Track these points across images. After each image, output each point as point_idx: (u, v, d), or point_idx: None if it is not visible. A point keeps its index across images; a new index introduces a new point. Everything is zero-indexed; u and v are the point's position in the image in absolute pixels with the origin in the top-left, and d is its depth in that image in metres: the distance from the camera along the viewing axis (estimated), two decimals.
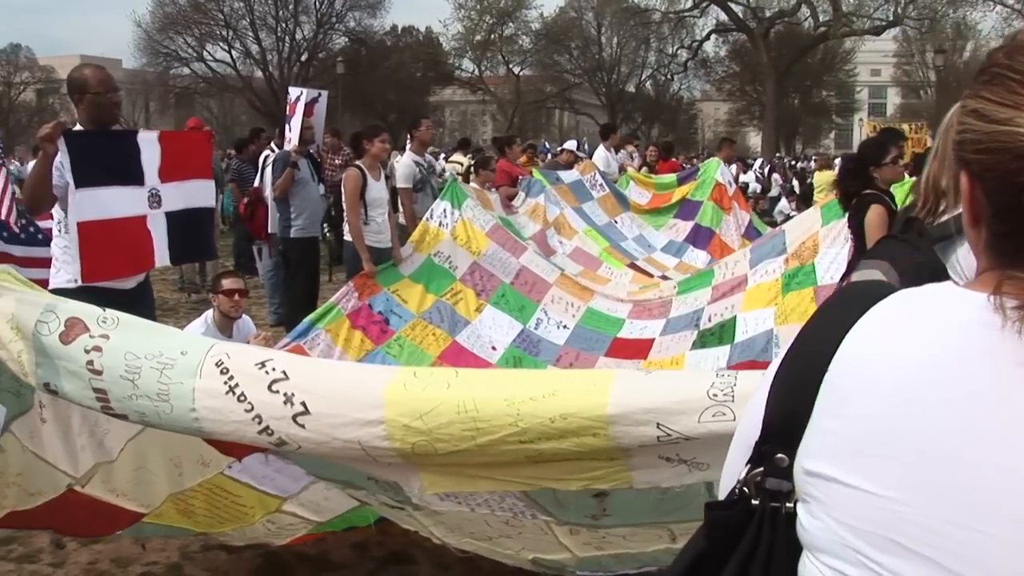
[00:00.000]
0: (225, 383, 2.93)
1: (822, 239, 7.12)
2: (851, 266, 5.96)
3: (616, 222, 11.00)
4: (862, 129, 74.87)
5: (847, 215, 5.95)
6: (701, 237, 11.11)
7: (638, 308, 8.07)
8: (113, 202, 5.12)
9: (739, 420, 1.31)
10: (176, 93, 56.59)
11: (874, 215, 5.58)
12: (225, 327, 5.96)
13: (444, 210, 8.00)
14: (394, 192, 9.58)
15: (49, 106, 55.22)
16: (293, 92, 9.59)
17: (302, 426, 2.85)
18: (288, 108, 9.50)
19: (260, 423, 2.89)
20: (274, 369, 2.94)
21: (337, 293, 7.14)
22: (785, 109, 56.68)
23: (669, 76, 61.26)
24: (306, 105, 9.36)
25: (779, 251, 7.48)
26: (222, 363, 2.97)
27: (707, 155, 28.51)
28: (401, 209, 9.57)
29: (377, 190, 7.92)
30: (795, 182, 29.19)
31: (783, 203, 21.22)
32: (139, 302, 5.42)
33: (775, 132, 52.63)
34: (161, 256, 5.47)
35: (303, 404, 2.84)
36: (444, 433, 2.73)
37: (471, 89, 60.56)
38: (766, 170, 30.05)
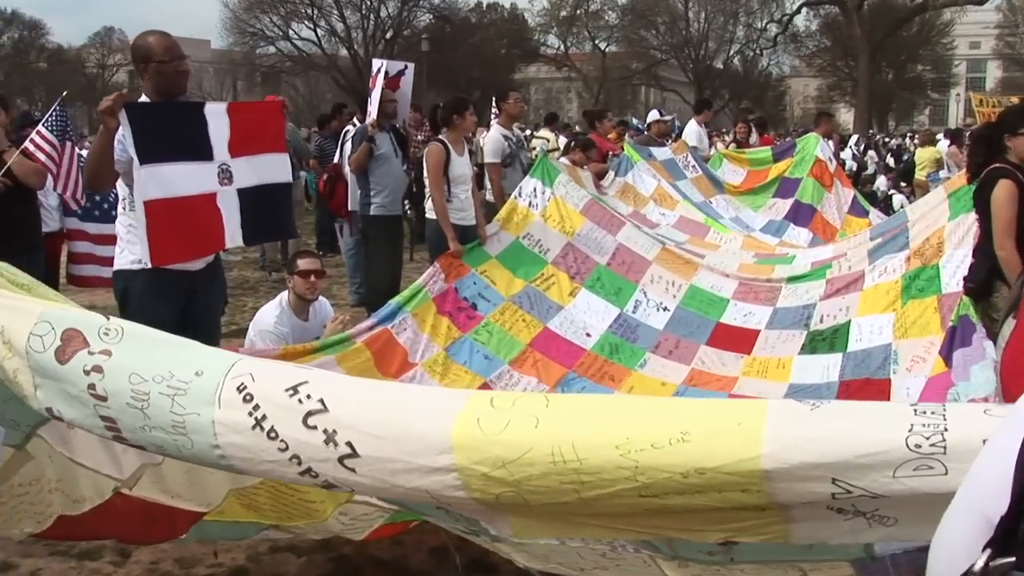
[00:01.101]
0: (250, 414, 2.44)
1: (948, 236, 6.38)
2: (976, 253, 5.38)
3: (711, 202, 10.42)
4: (960, 104, 73.57)
5: (973, 192, 5.35)
6: (802, 215, 10.47)
7: (744, 288, 7.49)
8: (180, 179, 4.75)
9: (955, 474, 1.20)
10: (262, 72, 57.21)
11: (1002, 192, 5.01)
12: (301, 309, 5.60)
13: (534, 189, 7.52)
14: (480, 169, 9.10)
15: (139, 87, 56.22)
16: (376, 64, 9.16)
17: (352, 470, 2.37)
18: (370, 81, 9.09)
19: (299, 464, 2.43)
20: (309, 397, 2.43)
21: (423, 275, 6.71)
22: (878, 84, 55.28)
23: (758, 51, 60.52)
24: (390, 78, 8.92)
25: (901, 246, 6.82)
26: (245, 388, 2.48)
27: (797, 133, 27.57)
28: (488, 186, 9.09)
29: (461, 166, 7.48)
30: (890, 159, 28.42)
31: (881, 180, 20.41)
32: (209, 283, 5.10)
33: (868, 108, 51.23)
34: (233, 236, 5.08)
35: (349, 445, 2.35)
36: (537, 485, 2.22)
37: (556, 66, 60.07)
38: (861, 147, 29.08)
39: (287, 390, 2.45)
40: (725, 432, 2.12)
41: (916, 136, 32.91)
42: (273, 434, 2.41)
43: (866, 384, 6.09)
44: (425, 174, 7.35)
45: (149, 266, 4.58)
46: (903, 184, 19.79)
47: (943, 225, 6.47)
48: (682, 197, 10.01)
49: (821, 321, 6.85)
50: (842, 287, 6.98)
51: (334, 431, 2.36)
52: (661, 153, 10.72)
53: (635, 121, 25.50)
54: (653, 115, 12.67)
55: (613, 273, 7.41)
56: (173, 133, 4.76)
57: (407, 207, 7.47)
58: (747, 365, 6.80)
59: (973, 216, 6.16)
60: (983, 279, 5.20)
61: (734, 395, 6.37)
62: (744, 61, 62.18)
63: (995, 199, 5.01)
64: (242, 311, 9.95)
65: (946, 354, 5.01)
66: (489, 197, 8.88)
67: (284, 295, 5.69)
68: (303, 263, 5.62)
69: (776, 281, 7.47)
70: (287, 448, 2.41)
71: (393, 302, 6.28)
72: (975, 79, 78.36)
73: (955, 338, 5.01)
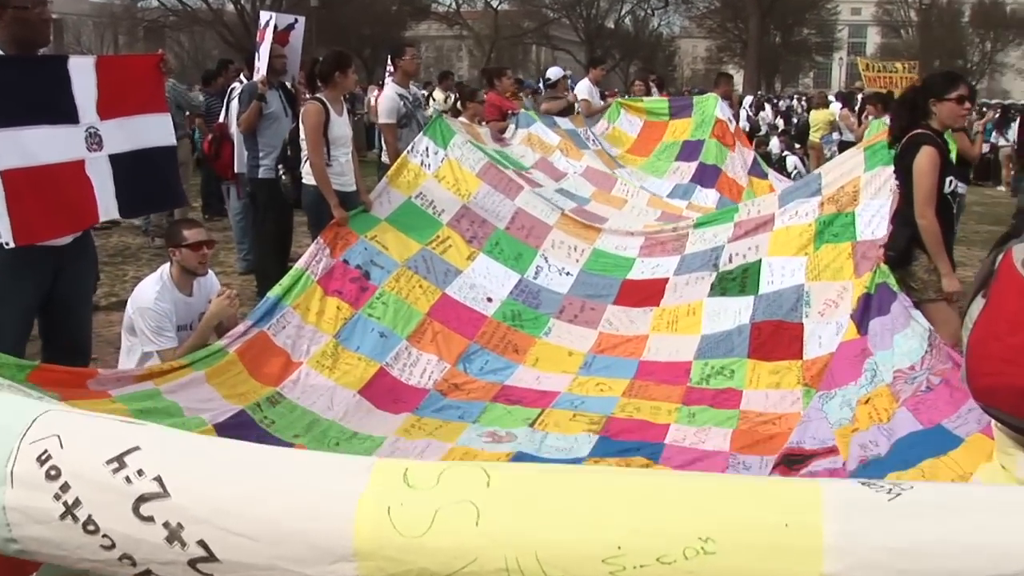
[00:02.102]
0: (57, 497, 1.77)
1: (864, 186, 6.35)
2: (895, 220, 5.34)
3: (615, 173, 10.23)
4: (842, 68, 75.51)
5: (894, 157, 5.29)
6: (707, 176, 10.28)
7: (650, 243, 7.32)
8: (42, 145, 4.21)
9: None
10: (144, 27, 54.88)
11: (925, 160, 4.95)
12: (185, 284, 5.13)
13: (427, 148, 7.17)
14: (371, 129, 8.69)
15: None
16: (264, 17, 8.66)
17: None
18: (258, 35, 8.59)
19: (134, 566, 1.78)
20: (141, 473, 1.76)
21: (305, 255, 6.18)
22: (766, 47, 55.83)
23: (649, 11, 60.60)
24: (279, 32, 8.43)
25: (813, 191, 6.72)
26: (48, 458, 1.80)
27: (691, 92, 27.67)
28: (384, 147, 8.71)
29: (341, 126, 6.88)
30: (780, 121, 28.79)
31: (774, 142, 20.56)
32: (78, 257, 4.63)
33: (757, 70, 51.70)
34: (107, 208, 4.59)
35: (203, 545, 1.71)
36: None
37: (448, 23, 59.04)
38: (753, 108, 29.35)
39: (109, 462, 1.78)
40: (767, 539, 1.53)
41: (804, 98, 33.46)
42: (92, 527, 1.77)
43: (778, 327, 6.02)
44: (302, 136, 6.86)
45: (11, 245, 4.04)
46: (797, 146, 20.01)
47: (859, 175, 6.41)
48: (589, 152, 9.82)
49: (730, 261, 6.72)
50: (751, 229, 6.85)
51: (179, 525, 1.72)
52: (564, 123, 10.46)
53: (531, 81, 25.29)
54: (555, 72, 12.34)
55: (512, 238, 7.13)
56: (33, 91, 4.19)
57: (281, 171, 7.01)
58: (656, 319, 6.63)
59: (890, 171, 6.07)
60: (903, 248, 5.15)
61: (646, 361, 6.21)
62: (635, 21, 62.45)
63: (917, 166, 4.94)
64: (122, 281, 9.37)
65: (859, 320, 4.91)
66: (384, 159, 8.51)
67: (165, 268, 5.15)
68: (191, 234, 5.01)
69: (683, 228, 7.30)
70: (113, 546, 1.77)
71: (271, 296, 5.74)
72: (856, 44, 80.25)
73: (870, 305, 4.91)
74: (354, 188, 6.84)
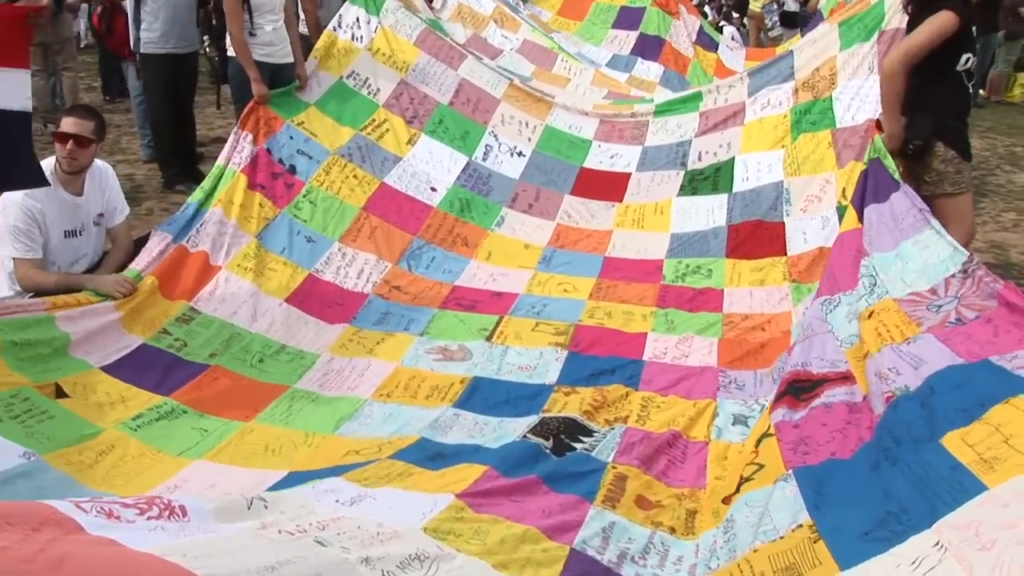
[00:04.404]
0: None
1: (841, 67, 5.69)
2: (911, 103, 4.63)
3: (552, 39, 9.33)
4: None
5: (911, 11, 4.54)
6: (649, 47, 9.51)
7: (607, 126, 6.57)
8: None
9: None
10: None
11: (939, 20, 4.21)
12: (70, 182, 4.28)
13: (357, 18, 6.24)
14: None
15: None
16: None
17: None
18: None
19: None
20: None
21: (224, 148, 5.27)
22: None
23: None
24: None
25: (785, 76, 6.02)
26: None
27: None
28: (303, 16, 7.70)
29: None
30: None
31: (707, 11, 19.74)
32: None
33: None
34: None
35: None
36: None
37: None
38: None
39: None
40: None
41: None
42: None
43: (758, 227, 5.48)
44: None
45: None
46: (734, 15, 19.26)
47: (834, 55, 5.77)
48: (525, 21, 8.89)
49: (699, 159, 6.11)
50: (719, 121, 6.22)
51: None
52: None
53: None
54: None
55: (457, 113, 6.33)
56: None
57: (206, 44, 6.05)
58: (620, 215, 6.00)
59: (869, 45, 5.55)
60: (927, 135, 4.46)
61: (612, 258, 5.56)
62: None
63: (932, 20, 4.22)
64: None
65: (859, 205, 4.22)
66: (303, 30, 7.53)
67: (52, 159, 4.33)
68: (64, 123, 4.19)
69: (642, 115, 6.57)
70: None
71: (191, 202, 4.87)
72: None
73: (867, 185, 4.22)
74: (288, 60, 5.99)
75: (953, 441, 2.63)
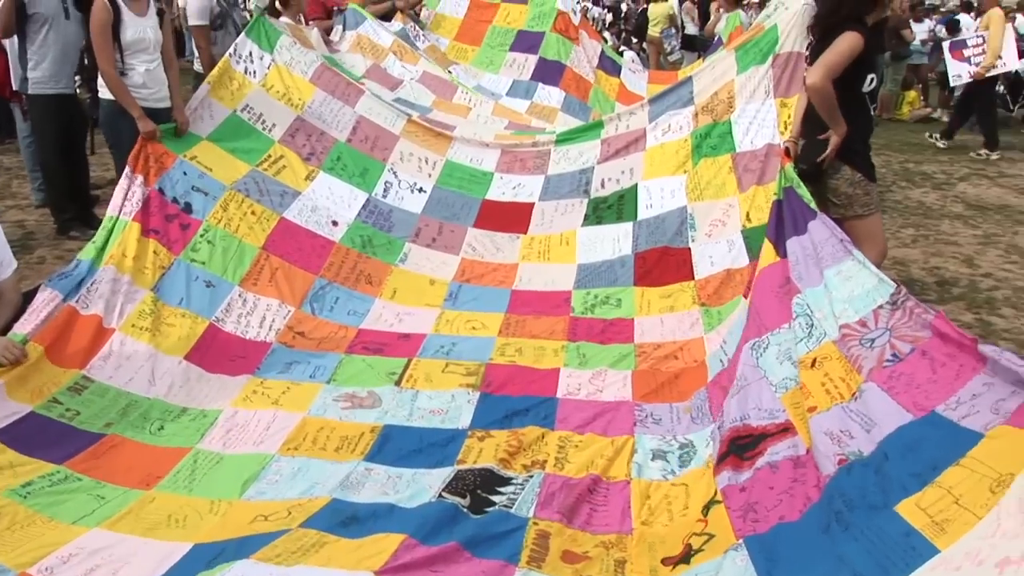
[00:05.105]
0: None
1: (738, 90, 5.74)
2: (805, 126, 4.70)
3: (451, 72, 9.28)
4: None
5: (810, 48, 4.66)
6: (550, 72, 9.52)
7: (508, 157, 6.51)
8: None
9: None
10: None
11: (848, 39, 4.35)
12: None
13: (251, 52, 6.06)
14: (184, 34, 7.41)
15: None
16: None
17: None
18: None
19: None
20: None
21: (114, 197, 4.97)
22: None
23: None
24: None
25: (685, 101, 6.05)
26: None
27: None
28: (197, 54, 7.48)
29: (139, 28, 5.63)
30: (609, 15, 28.77)
31: (607, 37, 20.05)
32: None
33: None
34: None
35: None
36: None
37: None
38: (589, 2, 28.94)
39: None
40: None
41: None
42: None
43: (664, 253, 5.48)
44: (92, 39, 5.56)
45: None
46: (633, 40, 19.57)
47: (732, 78, 5.82)
48: (423, 56, 8.80)
49: (602, 186, 6.09)
50: (621, 148, 6.22)
51: None
52: (392, 25, 9.38)
53: None
54: None
55: (355, 151, 6.20)
56: None
57: (77, 84, 5.79)
58: (525, 247, 5.95)
59: (765, 68, 5.62)
60: (814, 159, 4.55)
61: (520, 291, 5.51)
62: None
63: (842, 39, 4.32)
64: None
65: (775, 237, 4.20)
66: (197, 67, 7.31)
67: None
68: None
69: (543, 144, 6.54)
70: None
71: (83, 259, 4.58)
72: None
73: (782, 217, 4.21)
74: (164, 104, 5.69)
75: (907, 507, 2.64)
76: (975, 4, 18.50)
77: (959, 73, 11.80)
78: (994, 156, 11.84)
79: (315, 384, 4.44)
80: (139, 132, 5.22)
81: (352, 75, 7.29)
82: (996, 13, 11.86)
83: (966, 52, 11.82)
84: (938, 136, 12.62)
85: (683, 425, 4.00)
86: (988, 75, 11.81)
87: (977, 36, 11.88)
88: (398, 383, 4.44)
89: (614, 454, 3.79)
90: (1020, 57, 12.38)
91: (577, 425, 4.01)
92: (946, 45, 12.27)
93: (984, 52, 11.67)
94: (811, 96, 4.48)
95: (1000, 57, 11.67)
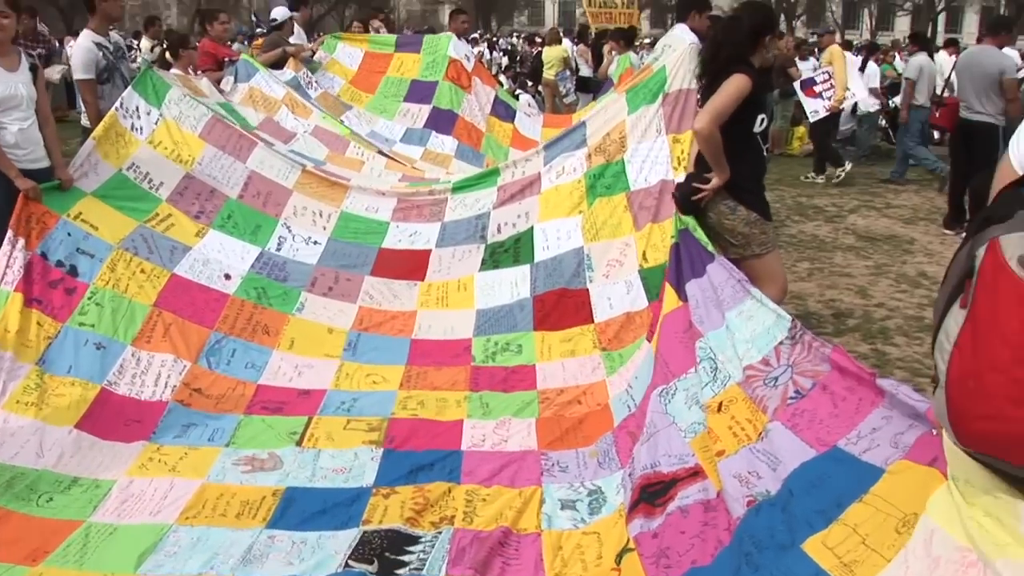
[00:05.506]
0: None
1: (630, 130, 5.88)
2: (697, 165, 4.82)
3: (344, 121, 9.24)
4: (555, 5, 77.48)
5: (704, 83, 4.75)
6: (443, 121, 9.60)
7: (405, 205, 6.49)
8: None
9: None
10: None
11: (735, 82, 4.45)
12: None
13: (138, 107, 5.92)
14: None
15: None
16: None
17: None
18: None
19: None
20: None
21: None
22: None
23: None
24: None
25: (578, 144, 6.15)
26: None
27: (416, 31, 27.12)
28: (83, 109, 7.24)
29: (9, 84, 5.27)
30: (504, 59, 29.44)
31: (503, 80, 20.37)
32: None
33: (475, 10, 52.30)
34: None
35: None
36: None
37: None
38: (484, 46, 29.43)
39: None
40: None
41: (531, 37, 34.07)
42: None
43: (562, 295, 5.52)
44: None
45: None
46: (529, 83, 19.87)
47: (623, 119, 5.95)
48: (316, 108, 8.74)
49: (499, 231, 6.12)
50: (516, 192, 6.27)
51: None
52: (284, 74, 9.32)
53: (244, 27, 23.70)
54: (280, 12, 10.96)
55: (247, 207, 6.08)
56: None
57: None
58: (423, 294, 5.92)
59: (655, 107, 5.78)
60: (688, 192, 4.66)
61: (419, 340, 5.47)
62: None
63: (730, 82, 4.43)
64: None
65: (676, 282, 4.27)
66: (84, 122, 7.09)
67: None
68: None
69: (440, 192, 6.54)
70: None
71: None
72: None
73: (680, 260, 4.29)
74: (41, 165, 5.36)
75: (814, 546, 2.67)
76: (854, 43, 19.32)
77: (816, 109, 12.45)
78: (839, 172, 12.73)
79: (214, 448, 4.31)
80: (15, 194, 4.96)
81: (247, 123, 7.21)
82: (836, 49, 12.70)
83: (817, 88, 12.49)
84: (812, 175, 13.09)
85: (590, 471, 4.01)
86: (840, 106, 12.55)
87: (823, 72, 12.55)
88: (299, 443, 4.34)
89: (523, 505, 3.77)
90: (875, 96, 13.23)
91: (484, 478, 3.98)
92: (797, 85, 12.86)
93: (833, 87, 12.35)
94: (697, 141, 4.59)
95: (848, 88, 12.43)
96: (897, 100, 14.60)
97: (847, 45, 18.86)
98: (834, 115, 12.69)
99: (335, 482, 3.98)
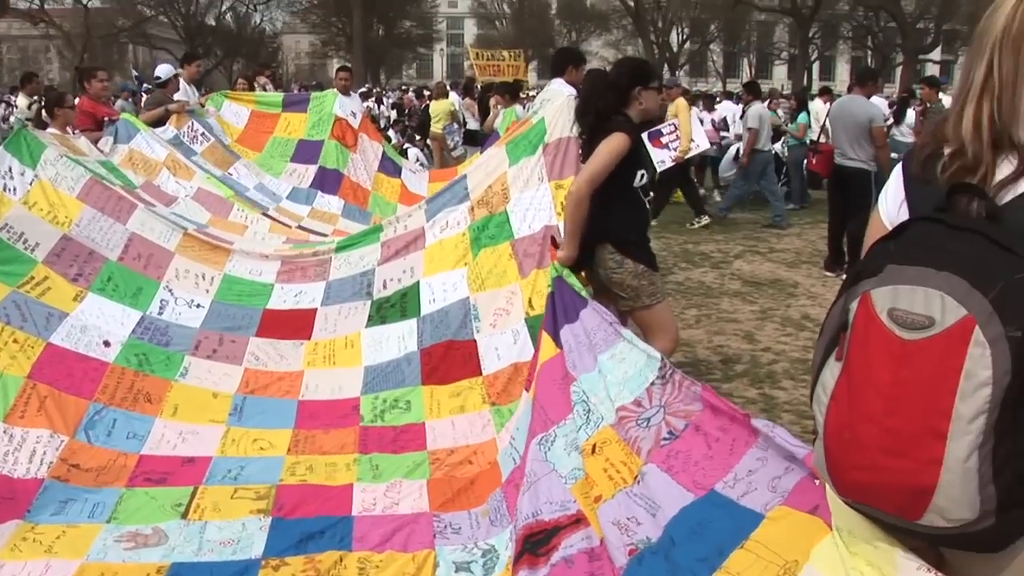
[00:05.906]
0: None
1: (512, 181, 5.96)
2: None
3: (231, 173, 9.13)
4: (444, 58, 78.53)
5: (583, 142, 4.85)
6: (329, 181, 9.66)
7: (289, 267, 6.41)
8: None
9: None
10: None
11: (616, 143, 4.54)
12: None
13: (9, 168, 5.72)
14: None
15: None
16: None
17: None
18: None
19: None
20: None
21: None
22: (370, 40, 57.92)
23: (251, 8, 60.89)
24: None
25: (461, 198, 6.20)
26: None
27: (304, 89, 27.09)
28: None
29: None
30: (394, 112, 29.70)
31: (391, 134, 20.45)
32: None
33: (363, 63, 52.72)
34: None
35: None
36: None
37: (32, 21, 53.90)
38: (372, 100, 29.51)
39: None
40: None
41: (423, 90, 34.48)
42: None
43: (449, 348, 5.51)
44: None
45: None
46: (417, 137, 19.99)
47: (505, 171, 6.04)
48: (199, 168, 8.60)
49: (384, 287, 6.10)
50: (401, 248, 6.26)
51: None
52: (166, 132, 9.15)
53: (129, 83, 23.31)
54: (164, 70, 10.80)
55: (128, 270, 5.91)
56: None
57: None
58: (310, 353, 5.83)
59: (536, 158, 5.87)
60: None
61: (307, 402, 5.37)
62: (237, 18, 62.55)
63: (600, 147, 4.52)
64: None
65: (553, 331, 4.31)
66: None
67: None
68: None
69: (324, 253, 6.49)
70: None
71: None
72: (455, 35, 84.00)
73: (556, 307, 4.34)
74: None
75: None
76: (736, 92, 19.99)
77: (662, 159, 12.74)
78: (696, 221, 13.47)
79: (94, 525, 4.12)
80: None
81: (129, 182, 7.06)
82: (681, 102, 13.25)
83: (663, 139, 12.85)
84: (697, 220, 13.51)
85: (483, 530, 3.99)
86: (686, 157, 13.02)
87: (669, 124, 12.95)
88: (185, 515, 4.20)
89: (416, 570, 3.73)
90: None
91: (376, 544, 3.92)
92: (645, 136, 13.27)
93: (678, 138, 12.78)
94: (567, 202, 4.66)
95: (693, 140, 12.89)
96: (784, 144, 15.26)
97: (728, 94, 19.45)
98: (681, 164, 13.12)
99: (223, 555, 3.86)
